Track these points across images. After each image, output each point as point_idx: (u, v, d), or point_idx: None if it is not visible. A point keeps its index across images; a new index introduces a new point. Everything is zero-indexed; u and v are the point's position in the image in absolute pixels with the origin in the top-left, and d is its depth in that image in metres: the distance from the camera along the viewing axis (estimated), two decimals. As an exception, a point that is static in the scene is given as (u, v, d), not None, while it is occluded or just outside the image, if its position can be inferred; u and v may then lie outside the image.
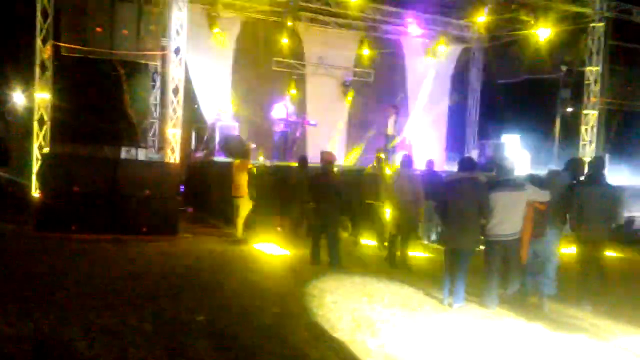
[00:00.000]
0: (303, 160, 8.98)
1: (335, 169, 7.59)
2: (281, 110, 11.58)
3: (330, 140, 13.12)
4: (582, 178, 5.98)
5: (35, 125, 10.04)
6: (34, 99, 10.33)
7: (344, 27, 13.47)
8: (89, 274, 5.86)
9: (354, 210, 8.83)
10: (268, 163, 10.90)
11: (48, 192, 8.27)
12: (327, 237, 7.13)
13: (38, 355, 3.67)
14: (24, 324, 4.15)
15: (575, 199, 5.73)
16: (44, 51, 9.93)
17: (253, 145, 10.93)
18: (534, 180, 5.73)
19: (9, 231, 8.28)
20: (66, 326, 4.16)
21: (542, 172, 7.14)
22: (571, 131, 13.27)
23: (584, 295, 5.65)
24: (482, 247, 5.62)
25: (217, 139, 11.16)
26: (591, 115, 12.31)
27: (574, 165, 6.15)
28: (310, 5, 12.17)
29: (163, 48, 10.74)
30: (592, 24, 12.06)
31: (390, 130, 11.65)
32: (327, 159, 7.49)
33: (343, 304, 5.19)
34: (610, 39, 12.33)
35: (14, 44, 12.82)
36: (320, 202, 7.10)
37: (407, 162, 8.10)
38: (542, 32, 11.95)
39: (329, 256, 7.06)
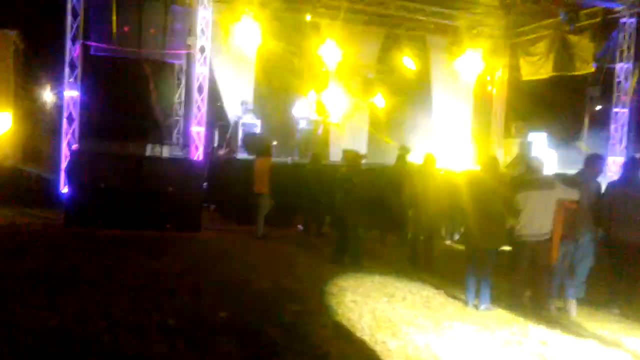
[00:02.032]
0: (315, 157, 9.00)
1: (361, 168, 7.55)
2: (303, 107, 11.60)
3: (352, 138, 13.08)
4: (615, 179, 5.78)
5: (64, 122, 10.30)
6: (62, 96, 10.60)
7: (368, 23, 13.38)
8: (112, 269, 5.98)
9: (378, 208, 8.78)
10: (290, 161, 10.95)
11: (76, 188, 8.48)
12: (348, 236, 7.11)
13: (62, 348, 3.76)
14: (49, 317, 4.26)
15: (606, 201, 5.57)
16: (73, 50, 10.17)
17: (275, 143, 11.00)
18: (564, 180, 5.59)
19: (38, 226, 8.51)
20: (90, 321, 4.24)
21: (569, 171, 6.96)
22: (600, 130, 12.89)
23: (614, 298, 5.50)
24: (507, 248, 5.53)
25: (240, 136, 11.26)
26: (621, 114, 11.96)
27: (593, 162, 5.71)
28: (334, 1, 12.13)
29: (188, 47, 10.88)
30: (623, 20, 11.70)
31: None
32: (353, 158, 7.45)
33: (363, 303, 5.17)
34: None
35: (44, 43, 13.17)
36: (344, 202, 7.07)
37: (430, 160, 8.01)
38: (571, 28, 11.65)
39: (350, 255, 7.04)
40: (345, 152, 9.52)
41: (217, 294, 5.26)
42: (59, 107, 11.58)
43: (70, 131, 10.24)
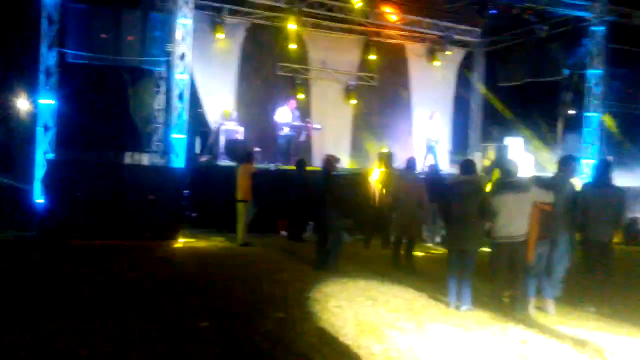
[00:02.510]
0: (300, 163, 9.03)
1: (335, 173, 7.60)
2: (285, 114, 11.64)
3: (334, 144, 13.16)
4: (588, 180, 5.95)
5: (40, 131, 10.09)
6: (38, 105, 10.39)
7: (348, 32, 13.54)
8: (91, 280, 5.89)
9: (361, 212, 8.85)
10: (272, 167, 10.96)
11: (52, 198, 8.33)
12: (331, 241, 7.15)
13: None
14: (24, 331, 4.16)
15: (580, 201, 5.74)
16: (49, 57, 9.99)
17: (257, 149, 11.00)
18: (539, 183, 5.75)
19: (12, 238, 8.32)
20: (68, 333, 4.16)
21: (545, 174, 7.15)
22: (574, 133, 13.29)
23: (589, 297, 5.65)
24: (487, 249, 5.64)
25: (222, 143, 11.22)
26: (593, 118, 12.34)
27: (567, 163, 5.90)
28: (314, 10, 12.24)
29: (168, 54, 10.81)
30: (592, 27, 12.10)
31: (432, 135, 12.17)
32: (327, 162, 7.51)
33: (347, 308, 5.20)
34: (611, 42, 12.36)
35: (19, 50, 12.90)
36: (321, 207, 7.11)
37: (411, 164, 8.14)
38: (543, 36, 12.03)
39: (331, 260, 7.06)
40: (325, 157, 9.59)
41: (199, 303, 5.23)
42: (34, 116, 11.32)
43: (46, 140, 10.04)
